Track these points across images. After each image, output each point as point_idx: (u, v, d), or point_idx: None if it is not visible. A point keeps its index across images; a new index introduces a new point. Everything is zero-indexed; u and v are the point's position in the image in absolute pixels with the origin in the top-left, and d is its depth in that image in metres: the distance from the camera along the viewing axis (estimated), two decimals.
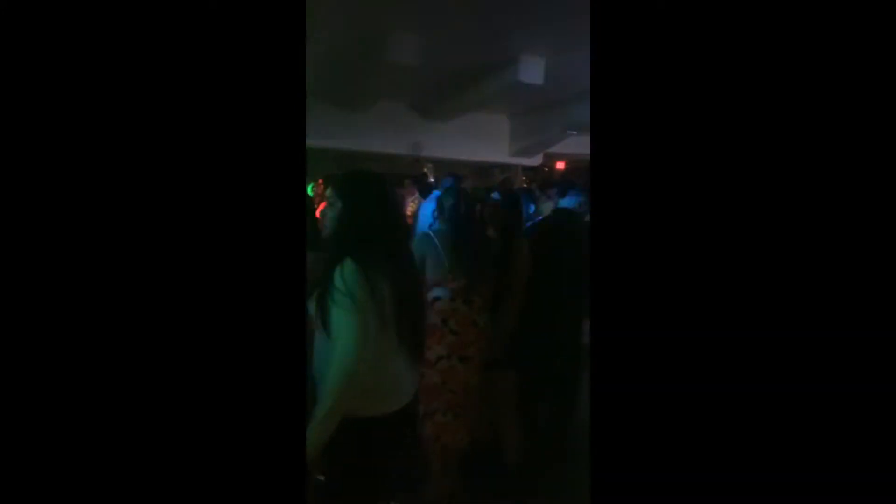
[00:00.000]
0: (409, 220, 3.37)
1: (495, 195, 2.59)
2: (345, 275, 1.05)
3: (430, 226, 1.96)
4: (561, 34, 3.55)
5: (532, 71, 4.18)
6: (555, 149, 7.34)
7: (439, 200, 1.92)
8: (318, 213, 2.31)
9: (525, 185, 5.76)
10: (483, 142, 6.95)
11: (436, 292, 1.76)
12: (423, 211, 2.94)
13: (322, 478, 1.18)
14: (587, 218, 2.31)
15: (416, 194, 4.20)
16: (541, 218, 2.68)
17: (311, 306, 1.09)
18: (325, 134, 5.39)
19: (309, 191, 3.96)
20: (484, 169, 7.59)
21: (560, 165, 8.63)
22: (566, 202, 2.41)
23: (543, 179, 5.82)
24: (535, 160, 7.60)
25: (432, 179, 5.46)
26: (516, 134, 6.99)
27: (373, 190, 1.17)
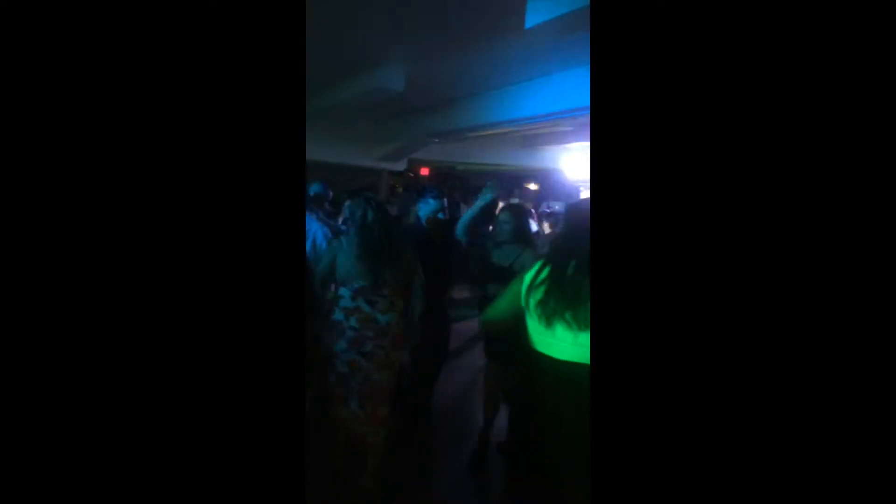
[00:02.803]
0: None
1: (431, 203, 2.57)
2: None
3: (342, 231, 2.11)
4: (423, 42, 3.67)
5: (393, 77, 4.26)
6: (419, 155, 7.56)
7: (348, 208, 2.06)
8: None
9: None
10: (349, 145, 6.87)
11: (340, 292, 1.93)
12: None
13: None
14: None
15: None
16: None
17: None
18: None
19: None
20: (353, 172, 7.50)
21: (424, 171, 8.90)
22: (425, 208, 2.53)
23: (406, 184, 5.96)
24: (400, 165, 7.74)
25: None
26: (381, 139, 7.04)
27: None
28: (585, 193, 8.58)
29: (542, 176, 10.15)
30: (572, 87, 4.01)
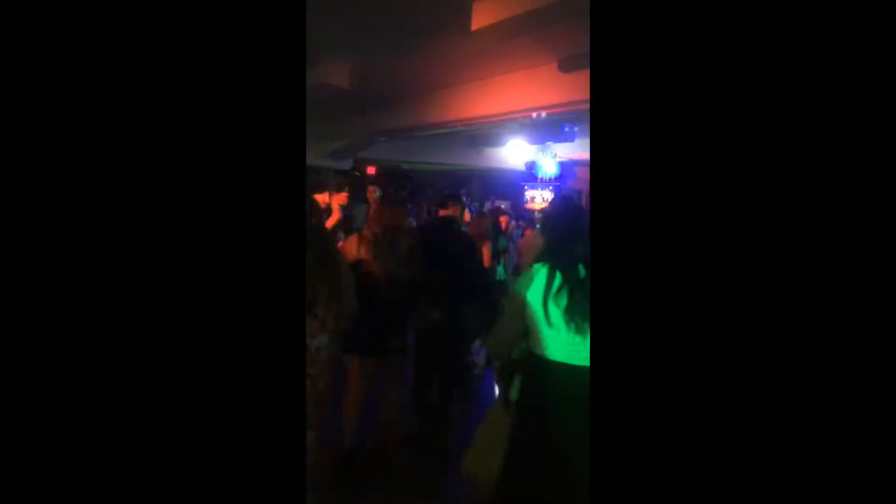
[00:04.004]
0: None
1: None
2: None
3: None
4: (368, 39, 3.63)
5: (337, 73, 4.18)
6: (364, 154, 7.46)
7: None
8: None
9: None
10: None
11: None
12: None
13: None
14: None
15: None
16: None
17: None
18: None
19: None
20: None
21: (371, 170, 8.79)
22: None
23: (352, 184, 5.88)
24: (346, 164, 7.60)
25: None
26: (325, 137, 6.89)
27: None
28: (530, 192, 8.81)
29: (488, 175, 10.32)
30: (516, 89, 4.11)
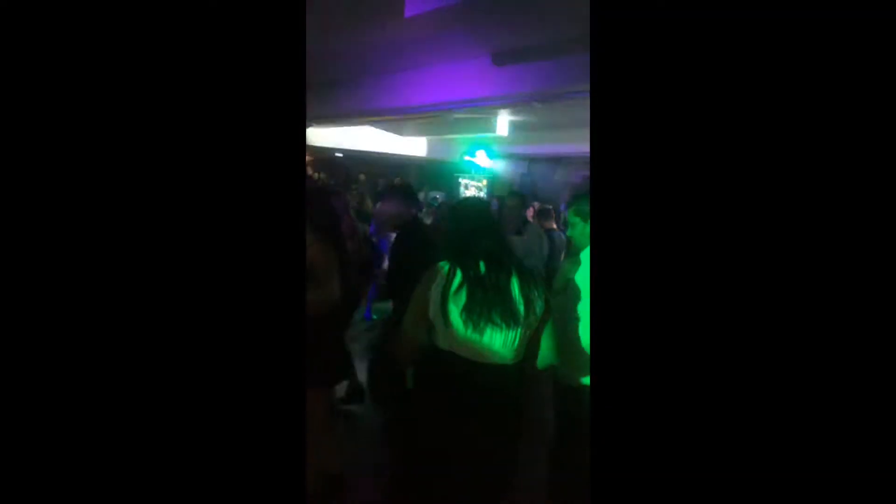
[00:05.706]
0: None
1: None
2: None
3: None
4: None
5: None
6: None
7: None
8: None
9: None
10: None
11: None
12: None
13: None
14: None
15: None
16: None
17: None
18: None
19: None
20: None
21: None
22: None
23: None
24: None
25: None
26: None
27: None
28: (464, 184, 8.89)
29: (423, 166, 10.30)
30: (450, 80, 4.10)
